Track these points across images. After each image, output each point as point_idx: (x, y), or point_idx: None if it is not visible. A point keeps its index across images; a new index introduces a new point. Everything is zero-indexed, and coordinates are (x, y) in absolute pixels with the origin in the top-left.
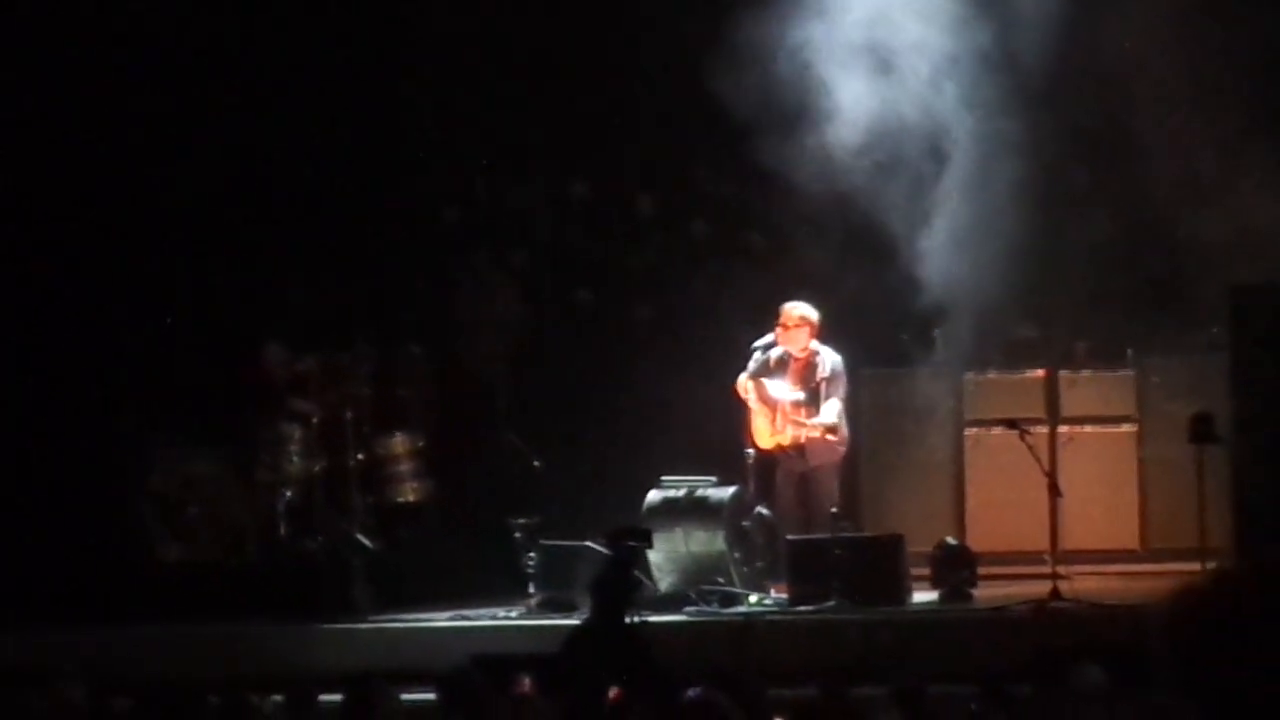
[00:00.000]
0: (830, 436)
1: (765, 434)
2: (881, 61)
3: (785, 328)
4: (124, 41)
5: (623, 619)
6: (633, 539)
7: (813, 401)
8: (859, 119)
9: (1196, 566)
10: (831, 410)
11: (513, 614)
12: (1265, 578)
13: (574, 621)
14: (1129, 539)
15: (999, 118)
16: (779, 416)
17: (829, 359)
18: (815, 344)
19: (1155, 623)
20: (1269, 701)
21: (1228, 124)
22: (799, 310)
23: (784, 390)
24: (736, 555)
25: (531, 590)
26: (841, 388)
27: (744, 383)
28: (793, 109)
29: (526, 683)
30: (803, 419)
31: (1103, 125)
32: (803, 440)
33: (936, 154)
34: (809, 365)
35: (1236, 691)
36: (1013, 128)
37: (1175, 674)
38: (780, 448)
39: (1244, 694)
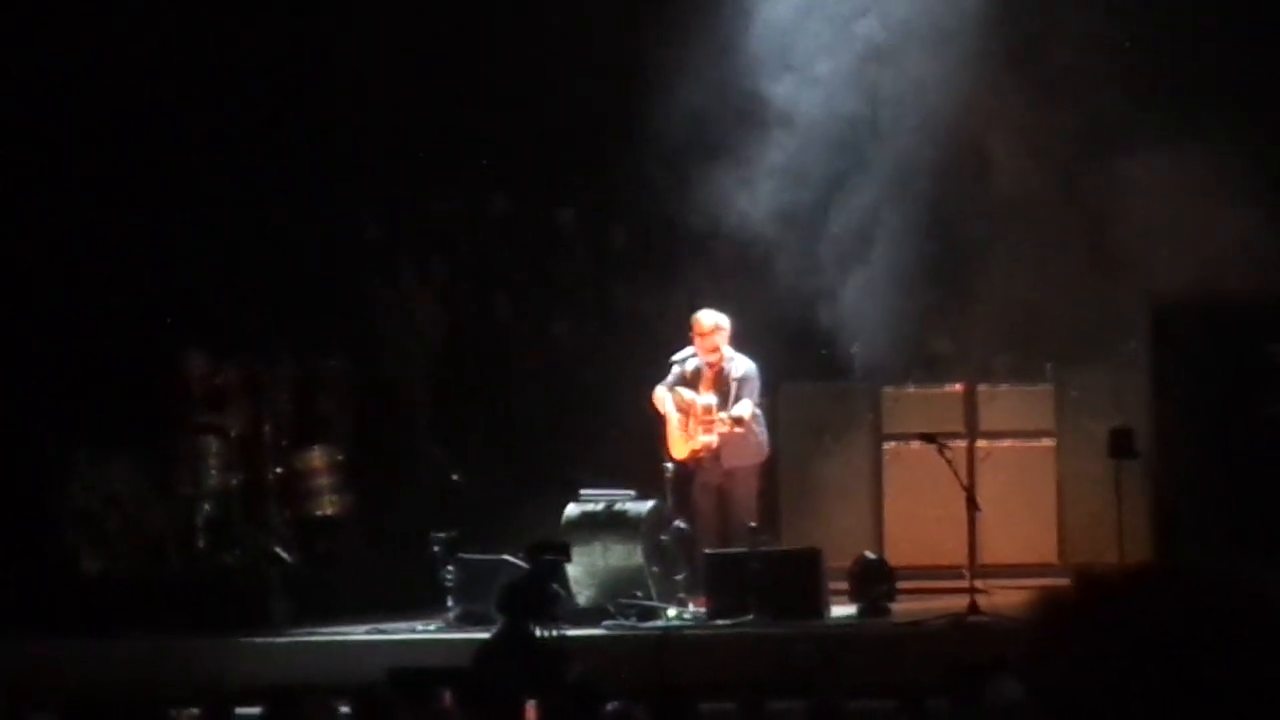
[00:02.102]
0: (739, 429)
1: (680, 442)
2: (801, 77)
3: (699, 335)
4: (44, 47)
5: (534, 632)
6: (551, 553)
7: (725, 404)
8: (777, 134)
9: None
10: (743, 407)
11: (430, 627)
12: (1125, 585)
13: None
14: (1047, 553)
15: (914, 131)
16: (691, 421)
17: (741, 364)
18: (729, 350)
19: (1018, 631)
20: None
21: (1148, 132)
22: (711, 318)
23: (697, 395)
24: (654, 569)
25: (449, 604)
26: (754, 390)
27: (659, 393)
28: (713, 122)
29: (447, 697)
30: (714, 419)
31: (1020, 136)
32: (715, 443)
33: (854, 169)
34: (722, 370)
35: (1095, 696)
36: (929, 141)
37: (1038, 681)
38: (694, 454)
39: (1102, 698)
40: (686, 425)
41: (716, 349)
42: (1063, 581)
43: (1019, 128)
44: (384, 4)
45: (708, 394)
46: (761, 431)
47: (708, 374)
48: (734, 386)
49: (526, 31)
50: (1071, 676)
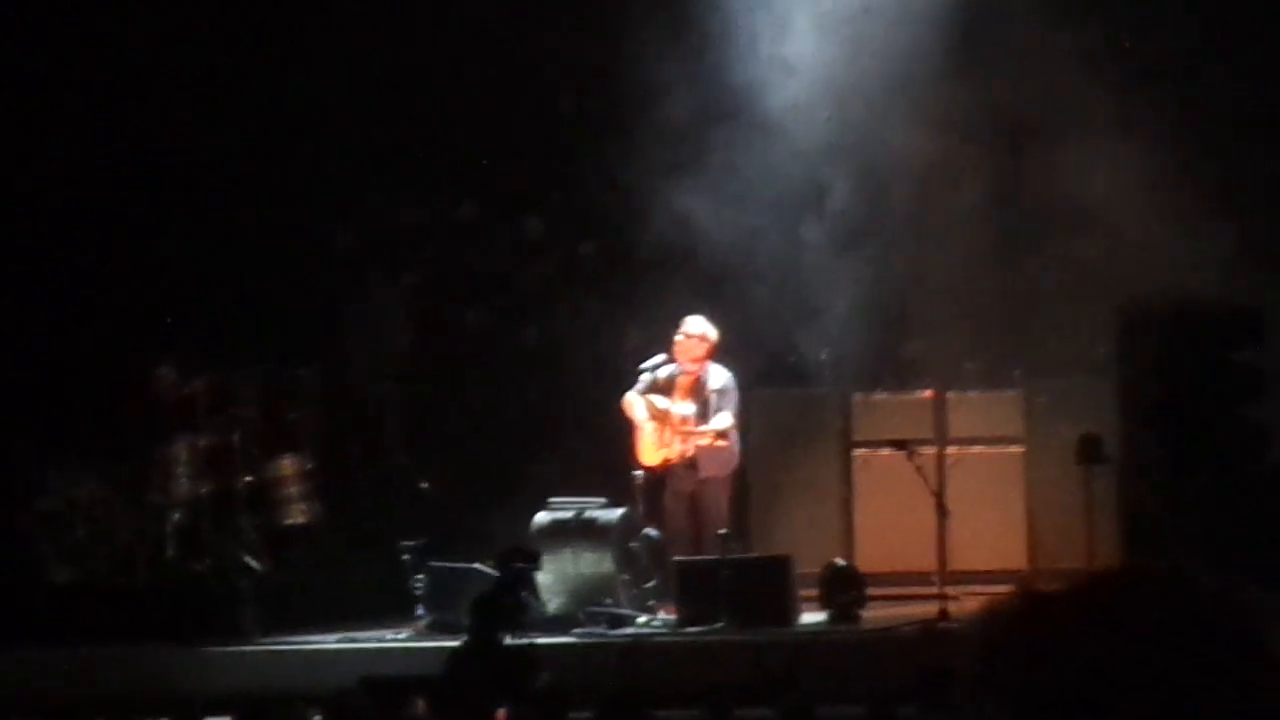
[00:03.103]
0: (721, 442)
1: (652, 448)
2: (773, 86)
3: (686, 337)
4: (6, 60)
5: (504, 639)
6: (521, 560)
7: (703, 415)
8: (749, 144)
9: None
10: (722, 420)
11: (401, 636)
12: (1070, 595)
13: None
14: (1016, 559)
15: (886, 141)
16: (667, 430)
17: (719, 374)
18: (708, 362)
19: (969, 639)
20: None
21: (1116, 142)
22: (700, 326)
23: (672, 404)
24: (625, 577)
25: (420, 612)
26: (732, 402)
27: (630, 399)
28: (685, 132)
29: (419, 705)
30: (692, 430)
31: (991, 145)
32: (691, 451)
33: (824, 178)
34: (699, 381)
35: (1047, 700)
36: (900, 150)
37: (986, 689)
38: (668, 462)
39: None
40: (661, 433)
41: (699, 358)
42: (1007, 592)
43: (990, 138)
44: (354, 14)
45: (685, 403)
46: (735, 441)
47: (684, 382)
48: (713, 398)
49: (497, 40)
50: (1018, 688)
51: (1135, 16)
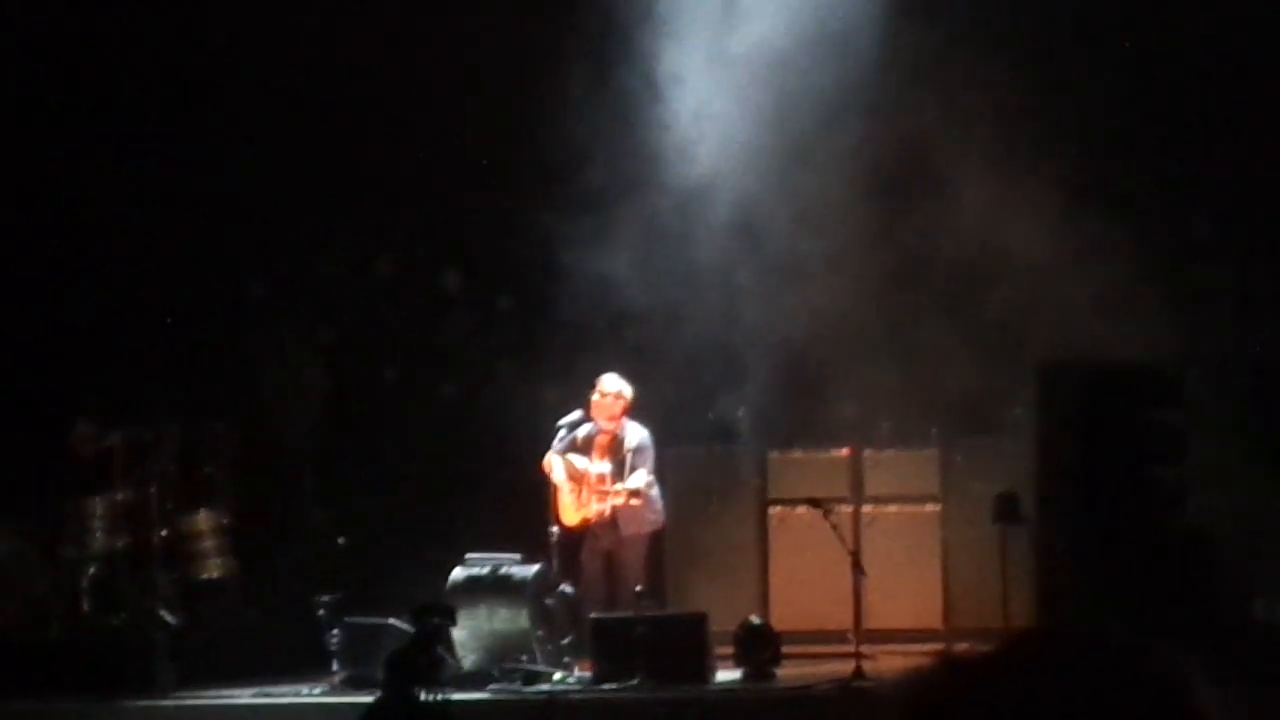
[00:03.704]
0: (635, 501)
1: (571, 509)
2: (692, 150)
3: (601, 396)
4: None
5: (419, 696)
6: (436, 616)
7: (619, 474)
8: (667, 199)
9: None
10: (638, 478)
11: (316, 691)
12: (996, 656)
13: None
14: (932, 619)
15: (802, 198)
16: (584, 490)
17: (636, 433)
18: (624, 419)
19: (888, 708)
20: None
21: (1037, 199)
22: (615, 384)
23: (591, 463)
24: (540, 633)
25: (335, 667)
26: (649, 460)
27: (549, 459)
28: (603, 186)
29: None
30: (608, 489)
31: (910, 201)
32: (608, 512)
33: (739, 235)
34: (616, 439)
35: None
36: (822, 205)
37: None
38: (586, 522)
39: None
40: (579, 493)
41: (615, 417)
42: (927, 664)
43: (909, 196)
44: (272, 66)
45: (601, 462)
46: (656, 500)
47: (601, 441)
48: (629, 456)
49: (419, 95)
50: None
51: (1056, 72)
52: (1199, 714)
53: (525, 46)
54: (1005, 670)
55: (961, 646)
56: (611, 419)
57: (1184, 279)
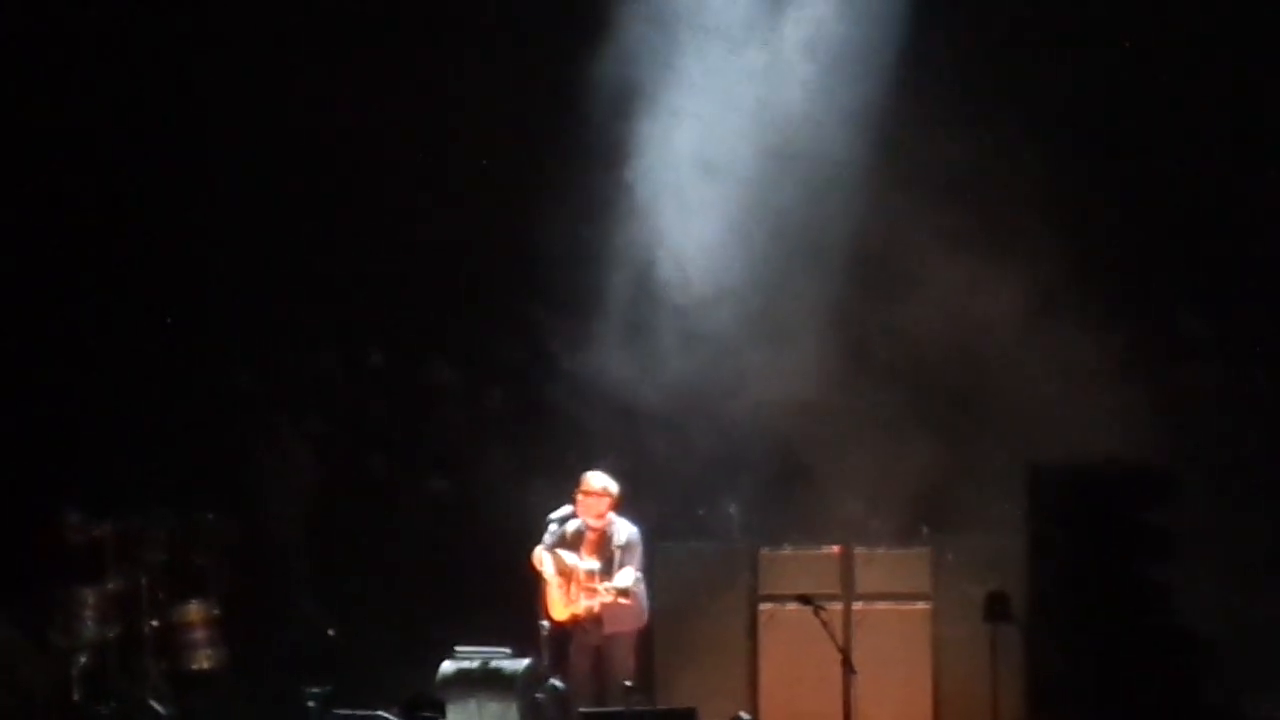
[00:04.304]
0: (623, 600)
1: (560, 605)
2: (677, 246)
3: (586, 494)
4: None
5: None
6: (426, 709)
7: (608, 570)
8: (658, 295)
9: None
10: (626, 576)
11: None
12: None
13: None
14: (922, 717)
15: (795, 295)
16: (573, 586)
17: (625, 529)
18: (612, 515)
19: None
20: None
21: (1028, 300)
22: (601, 481)
23: (579, 559)
24: None
25: None
26: (637, 557)
27: (539, 554)
28: (596, 281)
29: None
30: (596, 586)
31: (900, 302)
32: (596, 609)
33: (730, 334)
34: (605, 535)
35: None
36: (811, 307)
37: None
38: (575, 618)
39: None
40: (568, 589)
41: (602, 514)
42: None
43: (900, 296)
44: (263, 153)
45: (590, 559)
46: (643, 597)
47: (590, 537)
48: (617, 554)
49: (408, 188)
50: None
51: (1046, 162)
52: None
53: (517, 142)
54: None
55: None
56: (599, 516)
57: (1174, 377)
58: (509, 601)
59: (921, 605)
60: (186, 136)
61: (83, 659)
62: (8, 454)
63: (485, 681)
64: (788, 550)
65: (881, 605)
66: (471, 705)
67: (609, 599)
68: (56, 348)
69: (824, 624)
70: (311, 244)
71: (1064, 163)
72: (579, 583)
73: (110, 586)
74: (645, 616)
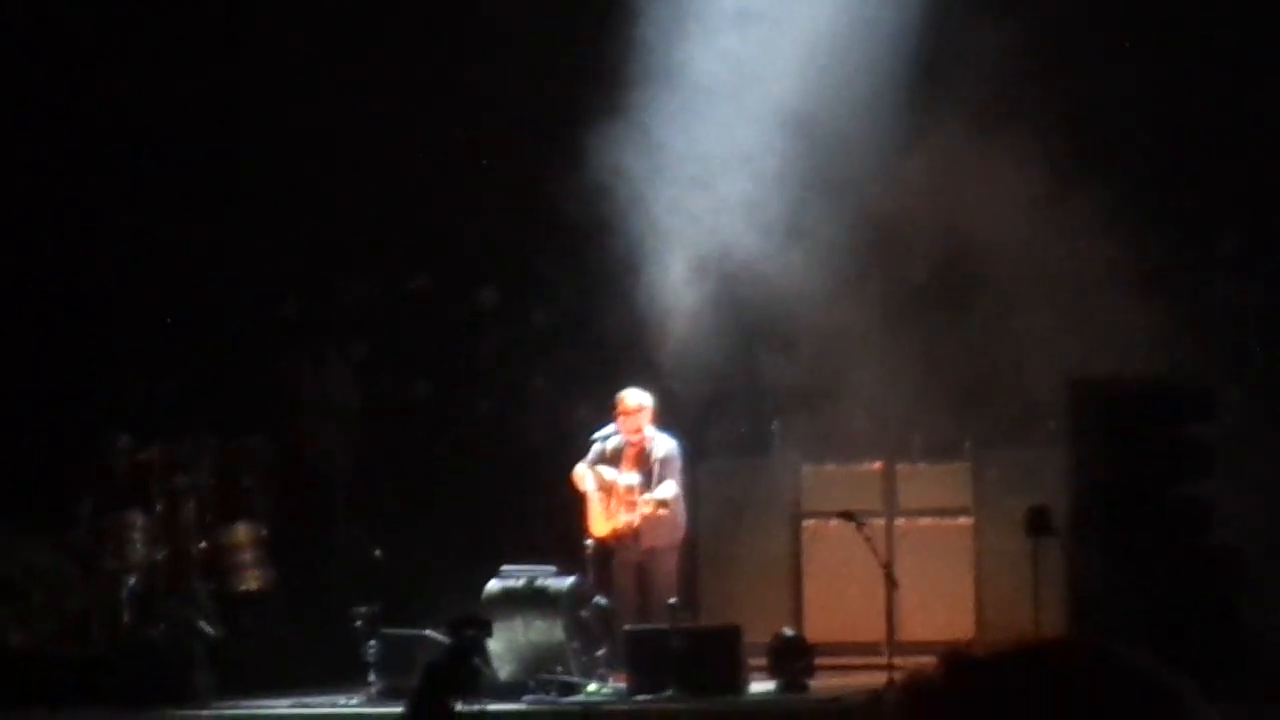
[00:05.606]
0: (663, 511)
1: (601, 520)
2: (724, 150)
3: (623, 413)
4: None
5: (454, 707)
6: (472, 628)
7: (647, 484)
8: (696, 211)
9: None
10: (666, 489)
11: (353, 701)
12: (999, 665)
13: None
14: (964, 631)
15: (839, 211)
16: (613, 500)
17: (664, 443)
18: (651, 430)
19: (889, 712)
20: None
21: (1068, 215)
22: (636, 398)
23: (619, 474)
24: (575, 644)
25: (371, 678)
26: (676, 470)
27: (580, 471)
28: (634, 198)
29: None
30: (636, 499)
31: (945, 215)
32: (636, 521)
33: (774, 246)
34: (644, 450)
35: None
36: (854, 222)
37: None
38: (615, 533)
39: None
40: (608, 504)
41: (639, 429)
42: (929, 663)
43: (941, 216)
44: (306, 85)
45: (630, 473)
46: (681, 511)
47: (629, 453)
48: (656, 467)
49: (453, 113)
50: None
51: (1089, 88)
52: None
53: (565, 54)
54: (1006, 679)
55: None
56: (636, 431)
57: (1214, 294)
58: (554, 521)
59: (963, 520)
60: (232, 64)
61: (131, 582)
62: (56, 381)
63: (531, 600)
64: (830, 467)
65: (923, 520)
66: (517, 623)
67: (649, 511)
68: (103, 275)
69: (866, 540)
70: (356, 170)
71: (1103, 80)
72: (619, 497)
73: (158, 510)
74: (683, 530)
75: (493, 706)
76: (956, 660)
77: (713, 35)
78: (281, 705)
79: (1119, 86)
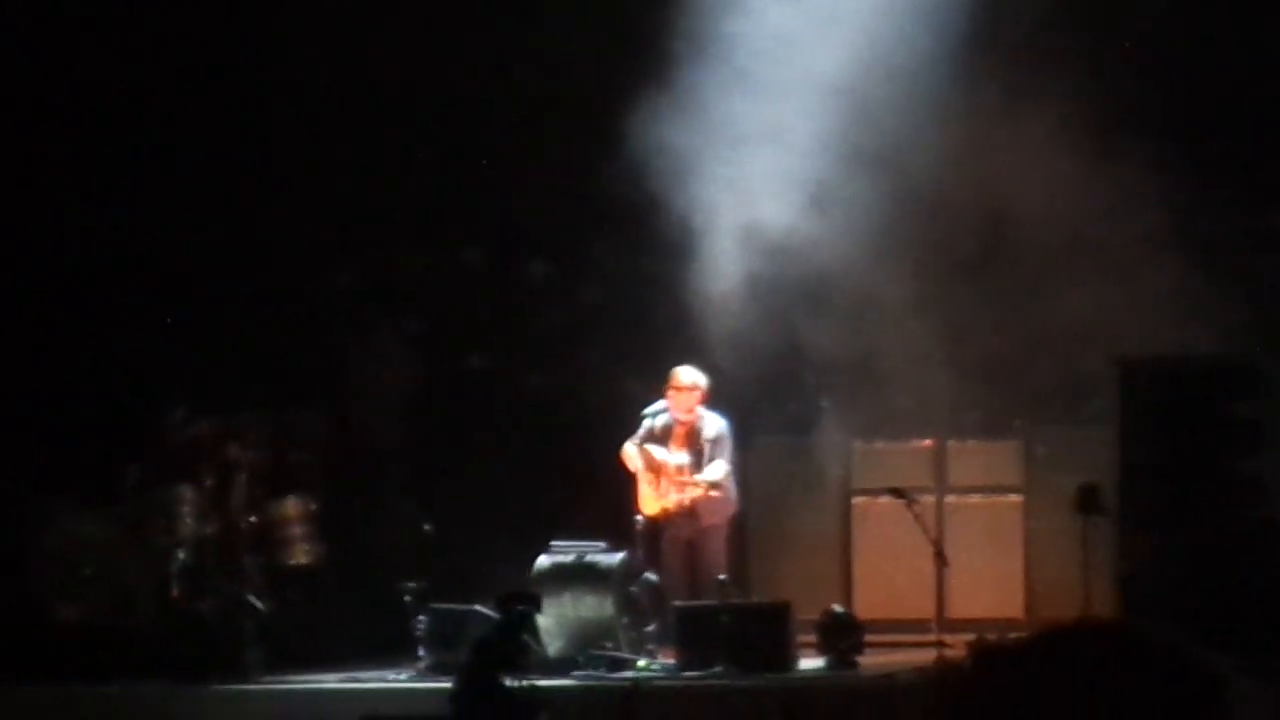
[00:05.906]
0: (714, 493)
1: (651, 499)
2: (771, 134)
3: (676, 390)
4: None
5: (504, 681)
6: (522, 603)
7: (698, 464)
8: (746, 191)
9: None
10: (717, 469)
11: (402, 676)
12: (1030, 647)
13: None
14: (1013, 609)
15: (885, 187)
16: (663, 480)
17: (714, 422)
18: (701, 409)
19: (925, 693)
20: None
21: (1118, 194)
22: (690, 376)
23: (669, 453)
24: (624, 620)
25: (421, 653)
26: (727, 450)
27: (628, 450)
28: (685, 180)
29: None
30: (687, 480)
31: (989, 198)
32: (687, 502)
33: (824, 226)
34: (694, 429)
35: None
36: (899, 199)
37: None
38: (665, 512)
39: None
40: (657, 484)
41: (691, 408)
42: (959, 651)
43: (987, 190)
44: (360, 57)
45: (680, 453)
46: (732, 488)
47: (679, 431)
48: (707, 447)
49: (502, 86)
50: None
51: (1135, 61)
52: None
53: (615, 36)
54: (1036, 660)
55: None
56: (688, 410)
57: (1262, 270)
58: (605, 496)
59: (1013, 498)
60: (287, 34)
61: (181, 556)
62: (108, 354)
63: (580, 576)
64: (880, 444)
65: (973, 498)
66: (567, 599)
67: (699, 492)
68: (160, 249)
69: (916, 517)
70: (410, 144)
71: (1150, 45)
72: (669, 477)
73: (208, 484)
74: (734, 507)
75: (542, 682)
76: (984, 649)
77: (759, 9)
78: (330, 680)
79: (1167, 52)
